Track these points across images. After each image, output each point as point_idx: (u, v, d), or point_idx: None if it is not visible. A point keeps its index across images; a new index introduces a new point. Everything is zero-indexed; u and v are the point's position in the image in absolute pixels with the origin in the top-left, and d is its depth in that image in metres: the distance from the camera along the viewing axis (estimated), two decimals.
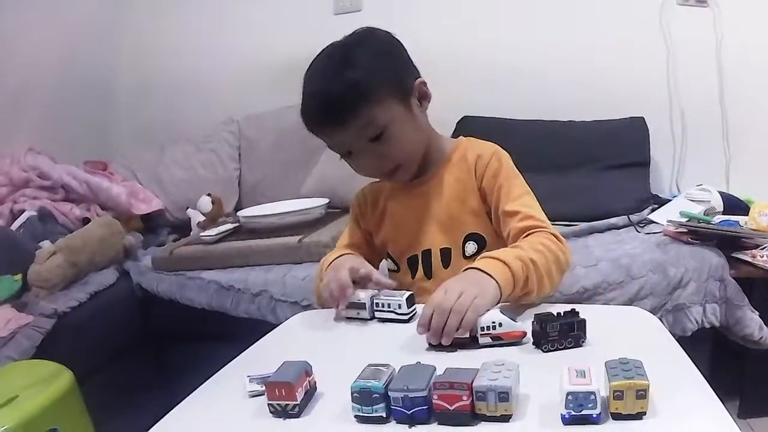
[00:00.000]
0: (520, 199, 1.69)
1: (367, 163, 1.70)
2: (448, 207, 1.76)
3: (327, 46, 1.70)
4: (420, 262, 1.79)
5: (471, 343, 1.32)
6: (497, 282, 1.42)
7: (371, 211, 1.90)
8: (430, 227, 1.78)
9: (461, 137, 1.87)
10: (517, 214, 1.66)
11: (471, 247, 1.75)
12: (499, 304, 1.40)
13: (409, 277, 1.81)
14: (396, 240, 1.84)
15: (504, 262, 1.46)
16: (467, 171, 1.76)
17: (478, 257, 1.54)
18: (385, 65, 1.65)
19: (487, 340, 1.31)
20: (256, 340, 1.51)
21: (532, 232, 1.62)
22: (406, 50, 1.74)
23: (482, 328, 1.31)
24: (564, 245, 1.63)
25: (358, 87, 1.57)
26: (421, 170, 1.79)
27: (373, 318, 1.54)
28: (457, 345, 1.31)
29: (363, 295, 1.55)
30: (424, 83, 1.72)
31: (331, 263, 1.74)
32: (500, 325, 1.30)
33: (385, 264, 1.93)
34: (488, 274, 1.43)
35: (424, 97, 1.73)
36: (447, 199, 1.76)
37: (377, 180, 1.91)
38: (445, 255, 1.76)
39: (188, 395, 1.23)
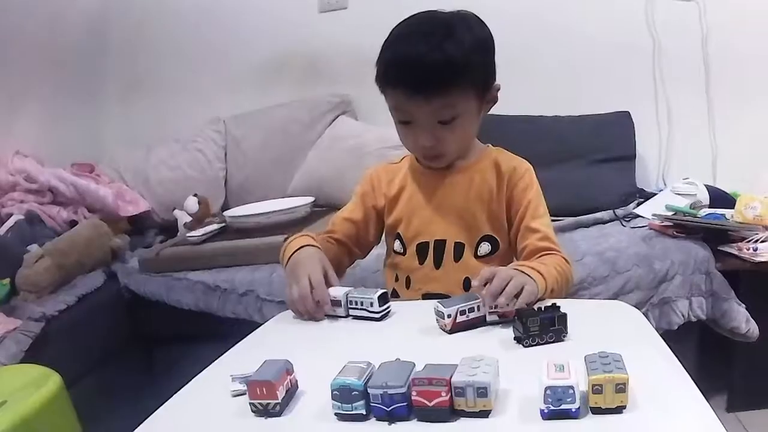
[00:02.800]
0: (542, 219, 1.76)
1: (422, 138, 1.68)
2: (471, 204, 1.79)
3: (425, 13, 1.70)
4: (431, 250, 1.80)
5: (481, 322, 1.38)
6: (538, 291, 1.47)
7: (386, 188, 1.90)
8: (448, 219, 1.80)
9: (489, 145, 1.89)
10: (538, 232, 1.73)
11: (485, 248, 1.79)
12: None
13: (416, 262, 1.82)
14: (409, 222, 1.84)
15: (542, 275, 1.52)
16: (498, 177, 1.79)
17: (516, 263, 1.63)
18: (481, 57, 1.67)
19: (494, 317, 1.37)
20: None
21: (548, 253, 1.70)
22: None
23: (490, 307, 1.36)
24: (572, 268, 1.72)
25: (456, 68, 1.58)
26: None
27: (348, 315, 1.54)
28: (467, 326, 1.36)
29: (337, 293, 1.55)
30: (498, 88, 1.75)
31: (291, 255, 1.75)
32: (507, 304, 1.36)
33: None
34: (531, 277, 1.48)
35: (493, 101, 1.76)
36: (472, 197, 1.79)
37: (395, 162, 1.95)
38: (458, 249, 1.78)
39: None
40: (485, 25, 1.72)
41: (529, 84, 3.67)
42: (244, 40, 4.13)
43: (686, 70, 3.55)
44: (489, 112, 3.32)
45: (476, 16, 1.71)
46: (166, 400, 1.21)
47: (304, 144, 3.82)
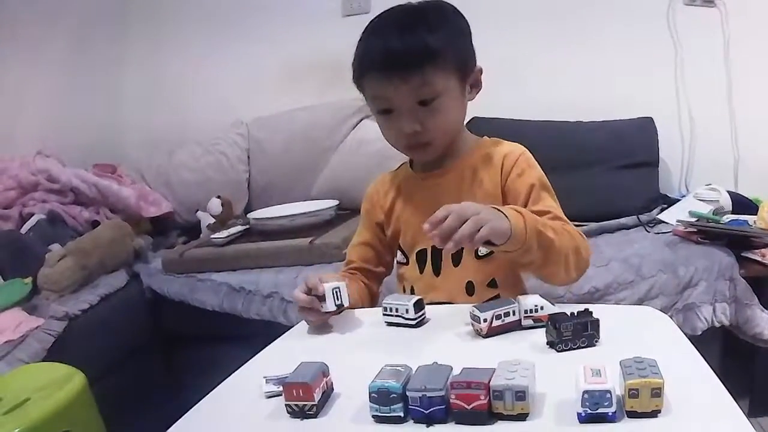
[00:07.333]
0: (548, 200, 1.68)
1: (404, 124, 1.62)
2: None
3: (398, 6, 1.67)
4: (429, 257, 1.75)
5: (517, 327, 1.37)
6: (511, 227, 1.40)
7: (382, 201, 1.86)
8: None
9: (485, 137, 1.83)
10: (548, 213, 1.62)
11: (484, 248, 1.67)
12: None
13: (417, 271, 1.77)
14: (405, 231, 1.80)
15: (523, 217, 1.44)
16: (491, 169, 1.72)
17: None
18: (457, 40, 1.65)
19: (530, 322, 1.37)
20: (268, 342, 1.52)
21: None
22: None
23: (526, 311, 1.37)
24: (587, 244, 1.63)
25: (430, 47, 1.57)
26: (441, 160, 1.76)
27: (340, 309, 1.56)
28: (503, 330, 1.36)
29: (323, 288, 1.53)
30: (481, 71, 1.72)
31: None
32: (542, 308, 1.36)
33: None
34: (505, 215, 1.41)
35: (476, 85, 1.72)
36: (464, 195, 1.67)
37: (393, 170, 1.92)
38: (456, 253, 1.70)
39: (200, 397, 1.23)
40: (460, 13, 1.70)
41: (551, 89, 3.67)
42: (266, 43, 4.13)
43: (708, 76, 3.54)
44: (513, 117, 3.30)
45: (451, 4, 1.70)
46: (190, 401, 1.21)
47: (327, 147, 3.82)
